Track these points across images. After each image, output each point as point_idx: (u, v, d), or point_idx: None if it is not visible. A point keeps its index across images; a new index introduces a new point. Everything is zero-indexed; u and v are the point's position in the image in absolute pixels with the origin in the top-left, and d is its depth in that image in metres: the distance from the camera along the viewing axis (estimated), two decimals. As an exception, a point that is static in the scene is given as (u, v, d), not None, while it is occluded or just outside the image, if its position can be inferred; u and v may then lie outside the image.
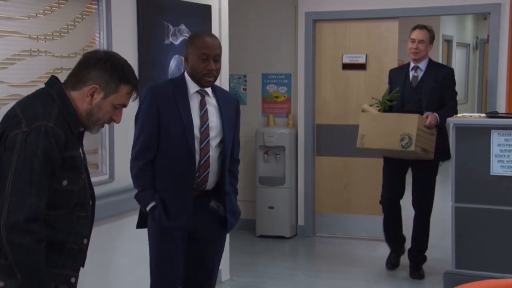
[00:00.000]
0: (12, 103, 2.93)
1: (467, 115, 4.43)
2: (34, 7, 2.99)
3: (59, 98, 2.03)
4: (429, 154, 4.33)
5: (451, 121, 4.15)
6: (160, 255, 2.84)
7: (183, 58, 2.94)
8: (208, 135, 2.79)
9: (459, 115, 4.37)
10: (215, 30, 4.32)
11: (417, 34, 4.59)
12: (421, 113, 4.36)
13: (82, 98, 2.05)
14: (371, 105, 4.64)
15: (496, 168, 3.97)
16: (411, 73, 4.63)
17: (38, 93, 2.07)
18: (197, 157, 2.77)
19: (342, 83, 5.82)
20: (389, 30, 5.64)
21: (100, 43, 3.36)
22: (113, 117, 2.10)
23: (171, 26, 3.82)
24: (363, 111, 4.59)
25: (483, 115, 4.23)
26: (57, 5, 3.11)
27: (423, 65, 4.61)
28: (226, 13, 4.47)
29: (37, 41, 3.01)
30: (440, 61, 10.06)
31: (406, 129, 4.23)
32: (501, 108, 5.03)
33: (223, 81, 4.46)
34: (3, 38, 2.85)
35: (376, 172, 5.29)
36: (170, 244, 2.82)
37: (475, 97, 11.73)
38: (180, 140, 2.74)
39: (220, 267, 4.54)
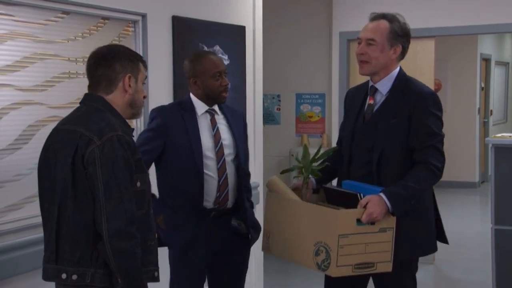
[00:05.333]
0: (52, 125, 2.97)
1: (507, 135, 4.32)
2: (74, 30, 3.07)
3: (107, 109, 2.09)
4: (384, 265, 2.41)
5: (489, 141, 4.06)
6: (182, 276, 2.80)
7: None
8: (223, 154, 2.78)
9: (498, 135, 4.26)
10: (249, 51, 4.35)
11: (365, 30, 2.63)
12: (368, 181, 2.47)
13: (121, 94, 2.11)
14: (285, 172, 2.76)
15: (538, 190, 3.85)
16: (368, 98, 2.68)
17: (87, 111, 2.10)
18: (216, 177, 2.76)
19: (377, 102, 5.76)
20: (425, 49, 5.57)
21: (136, 65, 3.42)
22: (144, 95, 2.20)
23: (205, 47, 3.86)
24: (269, 188, 2.68)
25: (523, 135, 4.13)
26: (96, 28, 3.18)
27: (384, 85, 2.61)
28: (260, 33, 4.50)
29: (76, 63, 3.09)
30: (477, 81, 9.80)
31: (321, 235, 2.36)
32: (542, 127, 4.91)
33: (257, 101, 4.47)
34: (43, 61, 2.92)
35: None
36: (192, 266, 2.78)
37: (515, 116, 11.49)
38: (188, 164, 2.72)
39: (254, 287, 4.54)
